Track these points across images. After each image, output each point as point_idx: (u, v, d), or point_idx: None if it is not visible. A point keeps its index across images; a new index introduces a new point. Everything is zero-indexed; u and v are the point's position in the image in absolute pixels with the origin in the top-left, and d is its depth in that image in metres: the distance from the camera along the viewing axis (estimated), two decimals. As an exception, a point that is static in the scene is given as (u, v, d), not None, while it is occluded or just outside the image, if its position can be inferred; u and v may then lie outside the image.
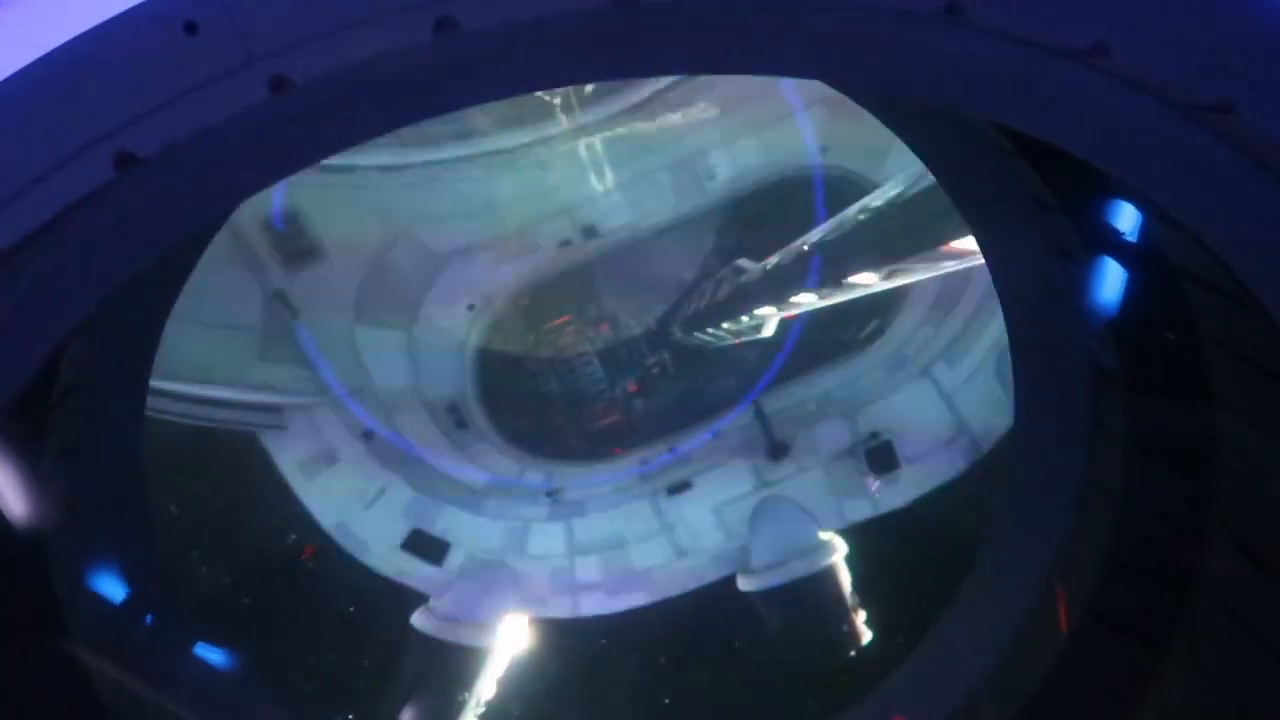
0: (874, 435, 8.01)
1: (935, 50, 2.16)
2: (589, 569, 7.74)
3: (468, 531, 7.55)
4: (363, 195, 7.44)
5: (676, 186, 7.56)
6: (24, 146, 1.97)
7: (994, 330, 7.73)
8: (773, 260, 6.97)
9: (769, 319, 7.66)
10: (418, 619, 7.46)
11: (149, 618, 5.20)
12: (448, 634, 7.53)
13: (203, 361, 6.74)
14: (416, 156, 7.50)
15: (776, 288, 6.75)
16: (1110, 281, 4.45)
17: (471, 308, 8.25)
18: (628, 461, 7.65)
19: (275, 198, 6.89)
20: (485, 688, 7.38)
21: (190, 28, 1.92)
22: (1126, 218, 4.13)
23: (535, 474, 8.22)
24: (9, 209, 2.04)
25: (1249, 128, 2.22)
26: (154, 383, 4.67)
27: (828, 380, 8.69)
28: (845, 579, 7.50)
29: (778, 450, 8.02)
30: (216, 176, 2.25)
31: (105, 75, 1.93)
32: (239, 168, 2.26)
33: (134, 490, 4.86)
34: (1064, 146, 2.42)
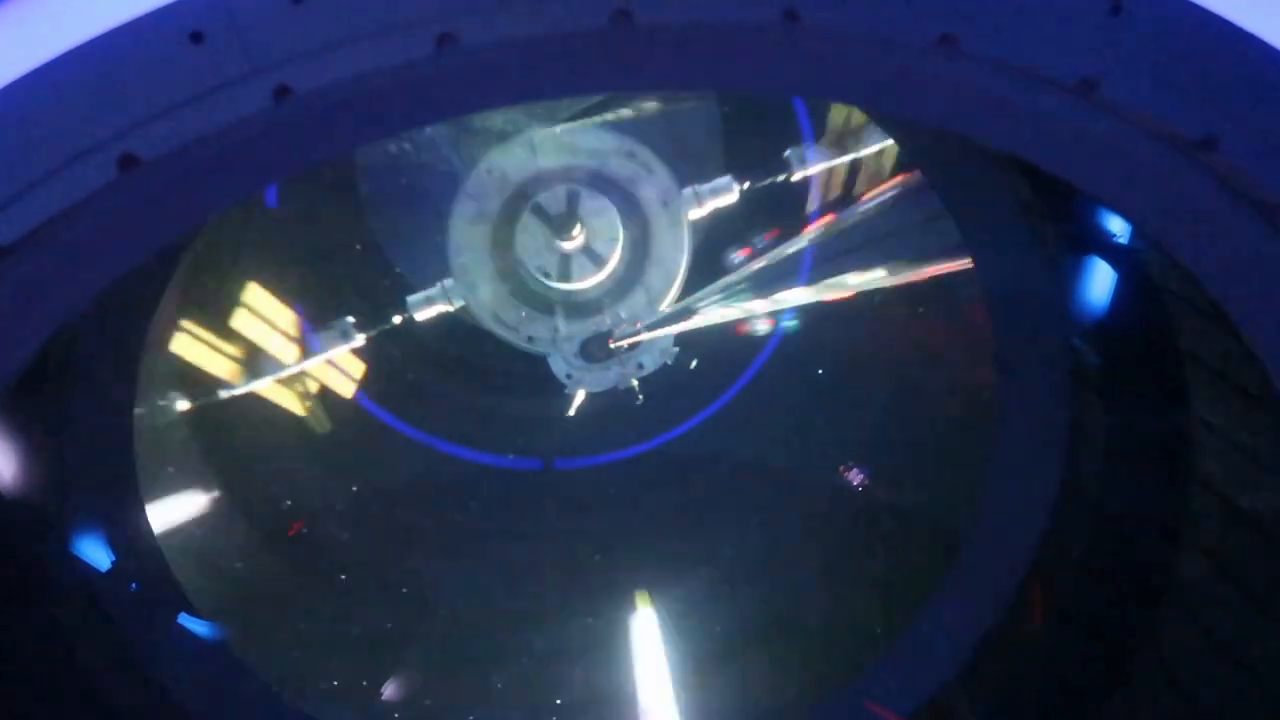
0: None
1: (929, 77, 2.20)
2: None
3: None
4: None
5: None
6: (30, 147, 2.00)
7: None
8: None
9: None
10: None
11: (134, 586, 5.25)
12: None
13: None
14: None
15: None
16: (1094, 288, 4.52)
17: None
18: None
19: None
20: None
21: (196, 37, 1.95)
22: (1113, 227, 4.20)
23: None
24: (12, 207, 2.07)
25: (1232, 163, 2.27)
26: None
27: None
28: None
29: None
30: (215, 177, 2.28)
31: (111, 81, 1.96)
32: (237, 170, 2.28)
33: (123, 463, 4.90)
34: (1053, 171, 2.47)
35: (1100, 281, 4.46)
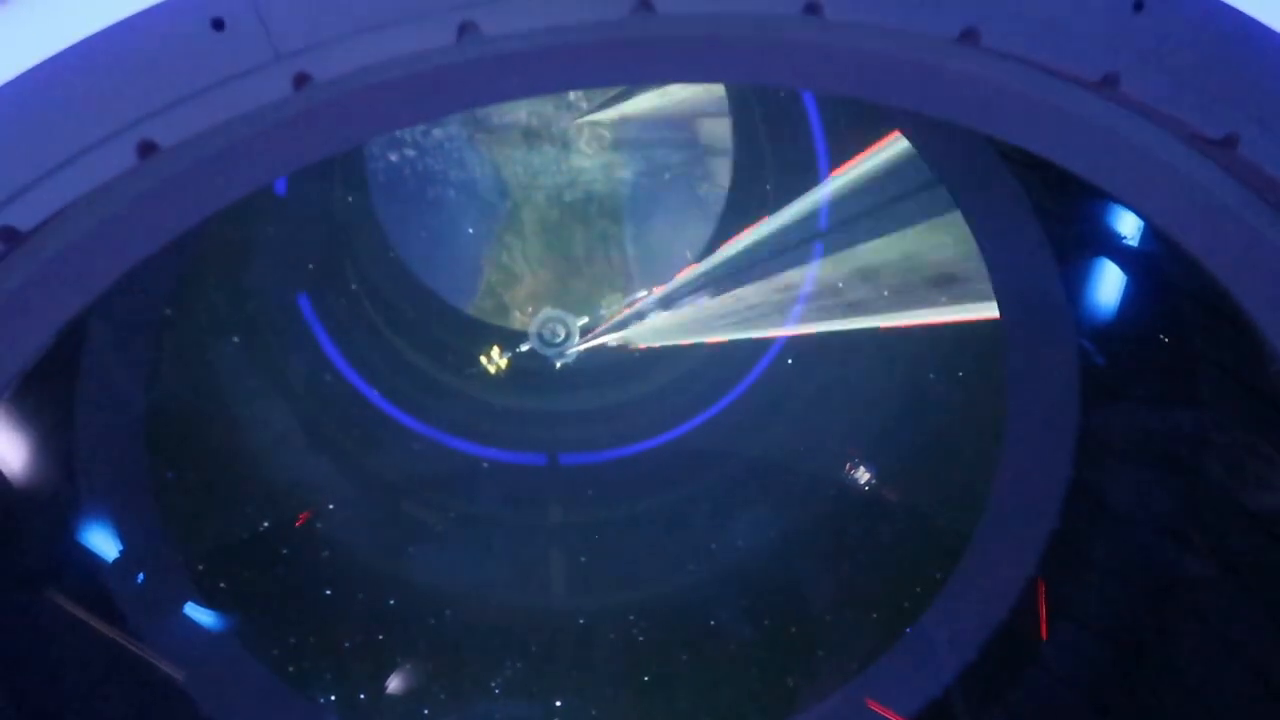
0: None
1: (950, 73, 2.20)
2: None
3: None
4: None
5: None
6: (49, 133, 2.00)
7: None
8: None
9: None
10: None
11: (141, 576, 5.27)
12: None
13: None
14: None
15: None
16: (1106, 288, 4.51)
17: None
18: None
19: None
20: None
21: (217, 24, 1.95)
22: (1127, 227, 4.20)
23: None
24: (32, 193, 2.07)
25: (1252, 162, 2.26)
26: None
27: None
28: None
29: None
30: (234, 165, 2.27)
31: (132, 67, 1.96)
32: (257, 157, 2.28)
33: (133, 455, 4.92)
34: (1071, 169, 2.47)
35: (1111, 282, 4.46)
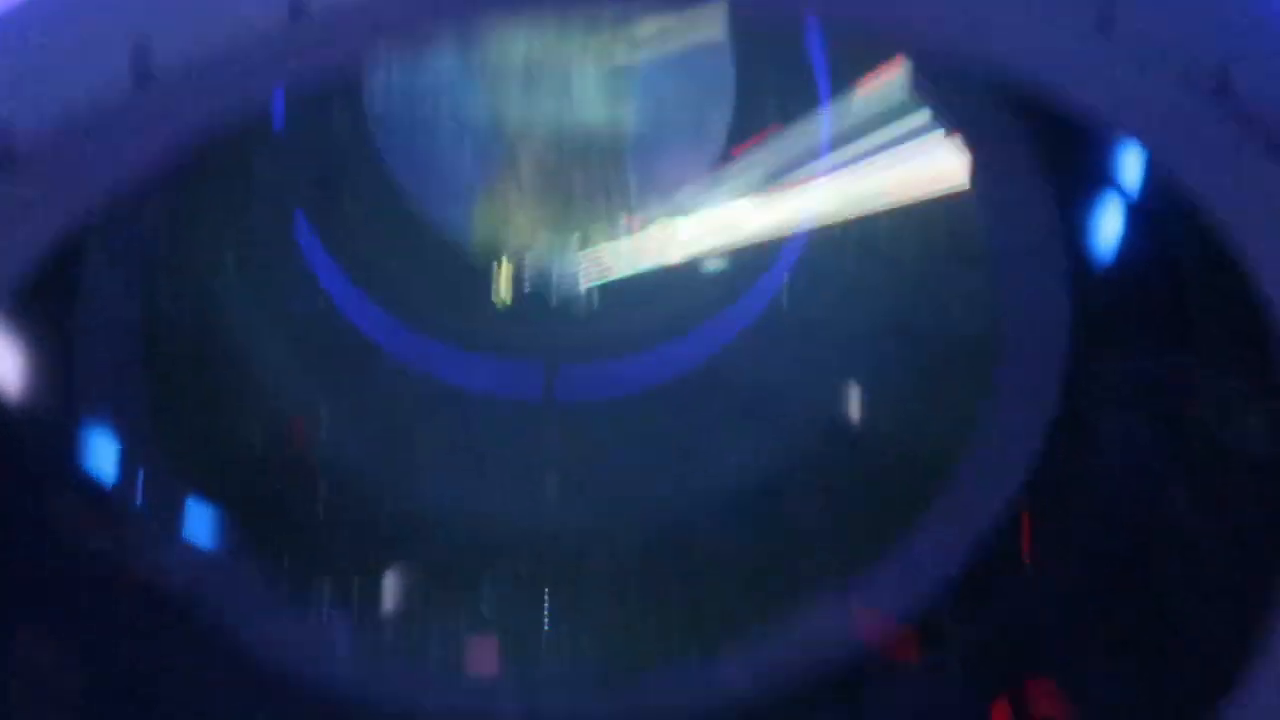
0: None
1: (944, 12, 2.20)
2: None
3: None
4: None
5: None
6: (43, 57, 2.01)
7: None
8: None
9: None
10: None
11: (139, 495, 5.35)
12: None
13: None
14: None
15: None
16: (1103, 229, 4.52)
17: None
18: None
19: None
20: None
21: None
22: (1124, 167, 4.19)
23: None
24: (16, 116, 2.09)
25: (1244, 97, 2.27)
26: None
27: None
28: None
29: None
30: (230, 91, 2.28)
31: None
32: (251, 84, 2.29)
33: (132, 372, 4.95)
34: (1063, 105, 2.47)
35: (1107, 223, 4.47)
